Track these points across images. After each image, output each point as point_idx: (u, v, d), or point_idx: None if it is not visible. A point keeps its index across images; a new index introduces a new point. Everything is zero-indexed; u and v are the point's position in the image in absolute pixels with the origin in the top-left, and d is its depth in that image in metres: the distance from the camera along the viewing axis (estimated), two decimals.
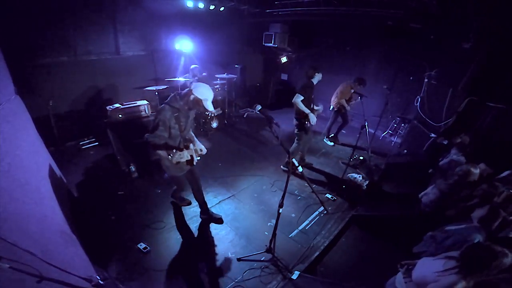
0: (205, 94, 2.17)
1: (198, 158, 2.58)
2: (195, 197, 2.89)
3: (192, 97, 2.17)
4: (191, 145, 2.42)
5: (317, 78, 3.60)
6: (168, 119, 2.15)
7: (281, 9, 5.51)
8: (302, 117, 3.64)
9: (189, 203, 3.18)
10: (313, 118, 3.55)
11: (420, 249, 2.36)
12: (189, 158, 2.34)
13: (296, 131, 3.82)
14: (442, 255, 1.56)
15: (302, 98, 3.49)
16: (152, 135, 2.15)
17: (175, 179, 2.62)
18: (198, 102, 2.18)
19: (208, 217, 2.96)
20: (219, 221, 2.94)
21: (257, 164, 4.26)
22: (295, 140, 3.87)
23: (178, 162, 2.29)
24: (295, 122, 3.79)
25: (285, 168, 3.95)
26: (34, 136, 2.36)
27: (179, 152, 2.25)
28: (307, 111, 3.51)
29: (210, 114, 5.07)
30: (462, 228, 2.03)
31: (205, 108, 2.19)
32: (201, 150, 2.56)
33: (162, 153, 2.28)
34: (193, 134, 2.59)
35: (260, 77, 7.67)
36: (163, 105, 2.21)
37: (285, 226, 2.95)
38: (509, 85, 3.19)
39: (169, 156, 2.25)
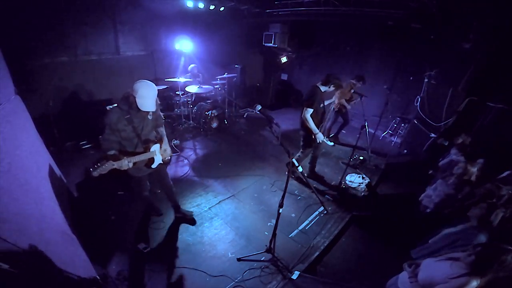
0: (136, 89, 1.97)
1: (161, 161, 2.38)
2: (167, 197, 2.86)
3: (129, 92, 2.02)
4: (153, 147, 2.25)
5: (326, 88, 3.24)
6: (115, 122, 2.04)
7: (281, 9, 5.51)
8: (309, 133, 3.33)
9: (161, 214, 3.00)
10: (320, 137, 3.25)
11: (418, 254, 2.36)
12: (130, 166, 2.12)
13: (301, 143, 3.56)
14: (445, 256, 1.55)
15: (311, 111, 3.18)
16: (102, 138, 2.09)
17: (134, 179, 2.47)
18: (131, 98, 2.01)
19: (182, 216, 2.96)
20: (191, 222, 2.92)
21: (257, 164, 4.26)
22: (300, 150, 3.64)
23: (135, 163, 2.14)
24: (301, 133, 3.49)
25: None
26: (34, 136, 2.36)
27: (112, 162, 2.00)
28: (315, 131, 3.21)
29: (211, 115, 5.05)
30: (464, 229, 2.02)
31: (137, 106, 2.00)
32: (165, 151, 2.39)
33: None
34: (163, 133, 2.45)
35: (260, 77, 7.67)
36: (113, 106, 2.10)
37: (285, 226, 2.94)
38: (509, 85, 3.19)
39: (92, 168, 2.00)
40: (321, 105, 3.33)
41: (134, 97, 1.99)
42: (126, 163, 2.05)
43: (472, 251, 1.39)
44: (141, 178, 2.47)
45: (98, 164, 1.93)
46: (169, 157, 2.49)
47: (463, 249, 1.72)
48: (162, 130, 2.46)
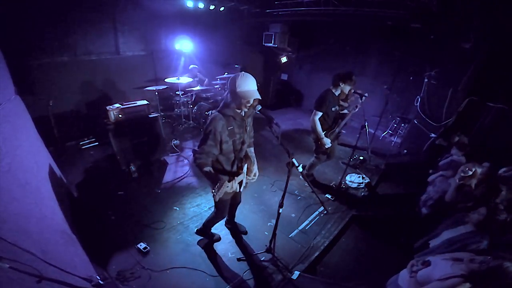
0: (238, 83, 1.69)
1: (250, 180, 2.14)
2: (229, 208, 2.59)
3: (234, 94, 1.72)
4: (244, 167, 1.99)
5: (344, 88, 3.09)
6: (220, 132, 1.74)
7: (281, 9, 5.51)
8: (316, 139, 3.21)
9: (219, 239, 2.75)
10: (326, 142, 3.13)
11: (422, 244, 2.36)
12: (238, 188, 1.93)
13: (314, 147, 3.43)
14: (449, 256, 1.56)
15: (320, 114, 3.08)
16: (199, 151, 1.77)
17: (221, 203, 2.13)
18: (241, 98, 1.72)
19: (232, 227, 2.86)
20: (244, 233, 2.83)
21: (257, 164, 4.25)
22: (314, 155, 3.51)
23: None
24: (313, 136, 3.30)
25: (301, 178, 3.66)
26: (34, 136, 2.36)
27: (227, 183, 1.74)
28: (321, 135, 3.10)
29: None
30: (465, 233, 2.02)
31: (246, 100, 1.73)
32: (254, 175, 2.13)
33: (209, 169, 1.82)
34: (252, 151, 2.16)
35: (260, 77, 7.66)
36: (215, 112, 1.80)
37: (285, 226, 2.94)
38: (509, 85, 3.19)
39: (214, 190, 1.72)
40: (334, 108, 3.17)
41: (238, 94, 1.70)
42: (235, 185, 1.86)
43: (483, 262, 1.37)
44: (227, 202, 2.23)
45: (217, 185, 1.69)
46: (256, 176, 2.19)
47: (469, 249, 1.73)
48: (252, 150, 2.18)
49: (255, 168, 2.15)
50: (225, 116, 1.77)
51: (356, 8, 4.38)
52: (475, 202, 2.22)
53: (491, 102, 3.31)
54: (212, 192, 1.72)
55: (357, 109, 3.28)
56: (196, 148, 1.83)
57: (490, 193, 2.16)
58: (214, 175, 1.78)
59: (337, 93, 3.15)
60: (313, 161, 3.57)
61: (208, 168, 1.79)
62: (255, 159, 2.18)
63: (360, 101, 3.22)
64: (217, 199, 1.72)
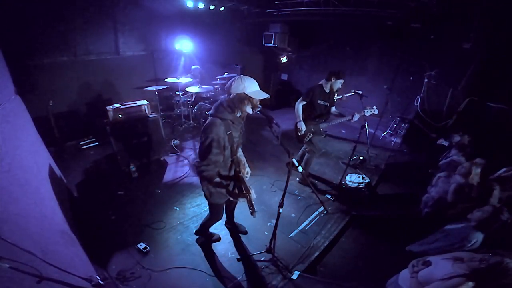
0: (246, 85, 1.64)
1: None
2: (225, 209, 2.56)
3: (241, 96, 1.66)
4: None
5: (334, 84, 3.17)
6: (222, 138, 1.67)
7: (281, 9, 5.52)
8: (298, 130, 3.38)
9: (219, 239, 2.72)
10: (301, 126, 3.30)
11: (416, 249, 2.37)
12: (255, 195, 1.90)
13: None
14: (450, 255, 1.56)
15: (304, 103, 3.29)
16: (205, 162, 1.67)
17: (216, 207, 2.14)
18: (250, 99, 1.67)
19: (232, 227, 2.85)
20: (244, 233, 2.81)
21: (257, 164, 4.26)
22: (306, 151, 3.63)
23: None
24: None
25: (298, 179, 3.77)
26: (34, 136, 2.36)
27: (250, 196, 1.75)
28: (298, 118, 3.30)
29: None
30: (460, 227, 2.03)
31: (256, 101, 1.70)
32: (247, 174, 2.10)
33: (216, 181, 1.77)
34: (240, 151, 2.08)
35: (260, 77, 7.67)
36: (211, 118, 1.71)
37: (285, 226, 2.94)
38: (509, 85, 3.19)
39: (250, 209, 1.75)
40: (321, 102, 3.29)
41: (249, 96, 1.65)
42: (253, 194, 1.83)
43: (483, 260, 1.37)
44: (222, 205, 2.19)
45: (251, 205, 1.78)
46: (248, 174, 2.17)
47: (467, 249, 1.73)
48: (240, 150, 2.11)
49: (246, 167, 2.13)
50: (223, 120, 1.70)
51: (356, 8, 4.39)
52: (472, 202, 2.22)
53: (491, 102, 3.32)
54: (249, 210, 1.80)
55: (355, 118, 3.26)
56: (197, 160, 1.77)
57: (487, 193, 2.17)
58: (228, 187, 1.81)
59: (327, 90, 3.23)
60: (307, 157, 3.61)
61: (219, 180, 1.78)
62: (244, 158, 2.16)
63: (364, 114, 3.25)
64: (255, 216, 1.77)
